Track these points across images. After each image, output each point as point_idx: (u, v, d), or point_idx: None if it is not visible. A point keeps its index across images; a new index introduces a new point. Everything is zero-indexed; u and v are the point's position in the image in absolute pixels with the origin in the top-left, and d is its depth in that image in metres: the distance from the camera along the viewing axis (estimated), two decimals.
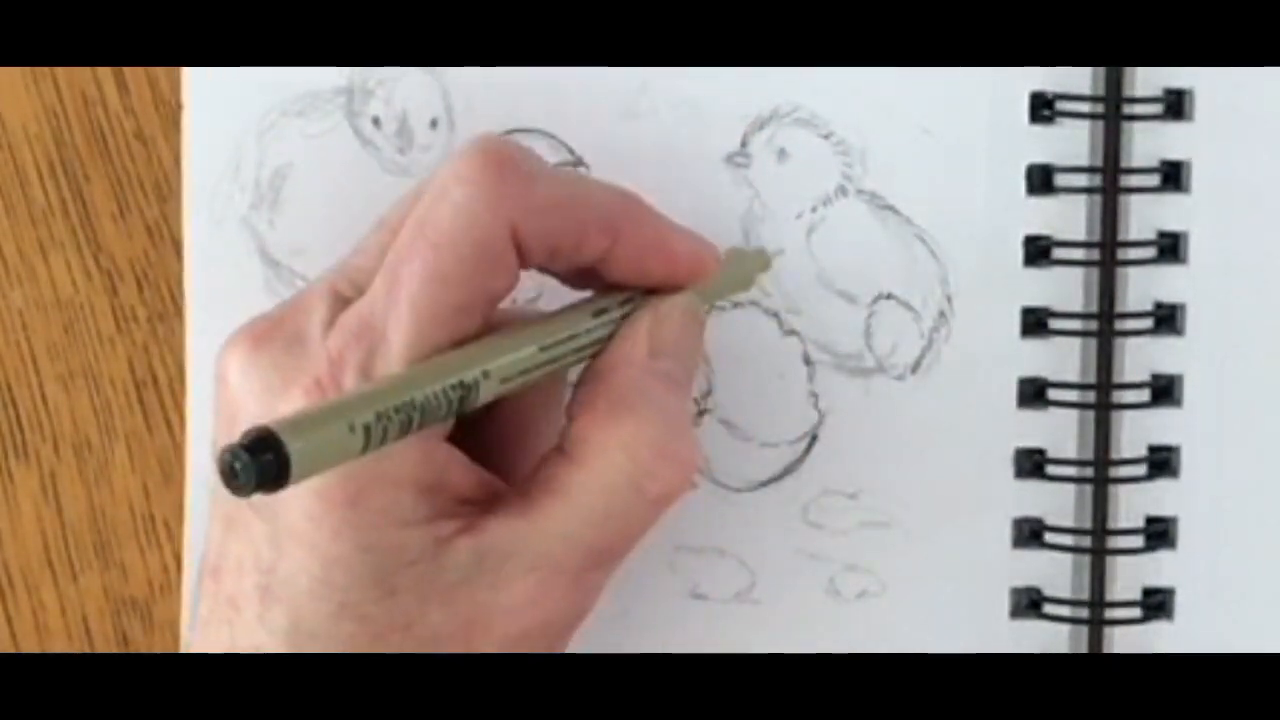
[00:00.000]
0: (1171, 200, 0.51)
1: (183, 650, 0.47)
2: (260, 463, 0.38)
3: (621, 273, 0.47)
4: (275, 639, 0.44)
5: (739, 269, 0.50)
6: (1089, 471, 0.51)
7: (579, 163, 0.52)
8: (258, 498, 0.44)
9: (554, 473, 0.45)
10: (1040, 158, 0.51)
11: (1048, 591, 0.52)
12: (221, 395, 0.46)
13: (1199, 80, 0.51)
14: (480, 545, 0.44)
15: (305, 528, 0.44)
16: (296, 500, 0.44)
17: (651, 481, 0.45)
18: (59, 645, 0.54)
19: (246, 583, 0.45)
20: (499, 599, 0.45)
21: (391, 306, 0.44)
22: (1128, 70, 0.51)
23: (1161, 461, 0.51)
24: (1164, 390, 0.51)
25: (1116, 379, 0.51)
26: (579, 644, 0.51)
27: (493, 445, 0.47)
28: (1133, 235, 0.51)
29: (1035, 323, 0.51)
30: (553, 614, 0.45)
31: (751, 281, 0.51)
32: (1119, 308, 0.51)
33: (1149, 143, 0.51)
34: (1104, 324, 0.51)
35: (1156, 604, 0.52)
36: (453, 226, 0.44)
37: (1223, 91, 0.51)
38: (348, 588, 0.44)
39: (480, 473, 0.46)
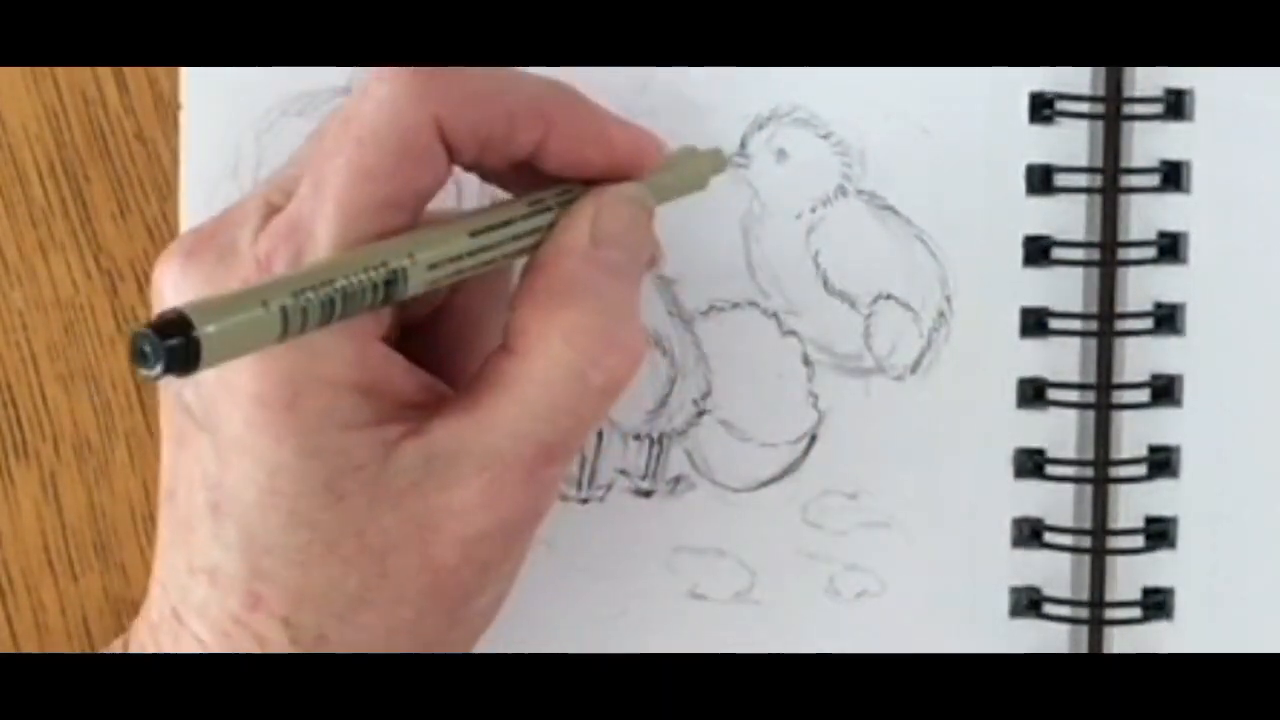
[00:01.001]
0: (1171, 200, 0.51)
1: (152, 576, 0.46)
2: (169, 346, 0.38)
3: (558, 164, 0.46)
4: (230, 555, 0.44)
5: (691, 168, 0.48)
6: (1089, 471, 0.51)
7: None
8: (199, 409, 0.44)
9: (496, 367, 0.44)
10: (1040, 158, 0.51)
11: (1047, 591, 0.52)
12: (157, 310, 0.45)
13: (1199, 80, 0.51)
14: (428, 447, 0.44)
15: (246, 435, 0.43)
16: (236, 408, 0.43)
17: (596, 370, 0.44)
18: (59, 645, 0.54)
19: (198, 500, 0.44)
20: (450, 501, 0.44)
21: (319, 205, 0.43)
22: (1128, 70, 0.51)
23: (1161, 461, 0.51)
24: (1164, 390, 0.51)
25: (1116, 379, 0.51)
26: (579, 643, 0.51)
27: (441, 352, 0.47)
28: (1133, 235, 0.51)
29: (1035, 323, 0.51)
30: (507, 514, 0.44)
31: (706, 182, 0.49)
32: (1119, 308, 0.51)
33: (1149, 143, 0.51)
34: (1104, 324, 0.51)
35: (1156, 604, 0.51)
36: (376, 120, 0.43)
37: (1223, 91, 0.51)
38: (296, 495, 0.43)
39: (423, 376, 0.45)
